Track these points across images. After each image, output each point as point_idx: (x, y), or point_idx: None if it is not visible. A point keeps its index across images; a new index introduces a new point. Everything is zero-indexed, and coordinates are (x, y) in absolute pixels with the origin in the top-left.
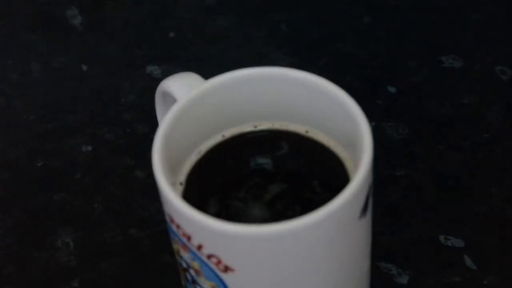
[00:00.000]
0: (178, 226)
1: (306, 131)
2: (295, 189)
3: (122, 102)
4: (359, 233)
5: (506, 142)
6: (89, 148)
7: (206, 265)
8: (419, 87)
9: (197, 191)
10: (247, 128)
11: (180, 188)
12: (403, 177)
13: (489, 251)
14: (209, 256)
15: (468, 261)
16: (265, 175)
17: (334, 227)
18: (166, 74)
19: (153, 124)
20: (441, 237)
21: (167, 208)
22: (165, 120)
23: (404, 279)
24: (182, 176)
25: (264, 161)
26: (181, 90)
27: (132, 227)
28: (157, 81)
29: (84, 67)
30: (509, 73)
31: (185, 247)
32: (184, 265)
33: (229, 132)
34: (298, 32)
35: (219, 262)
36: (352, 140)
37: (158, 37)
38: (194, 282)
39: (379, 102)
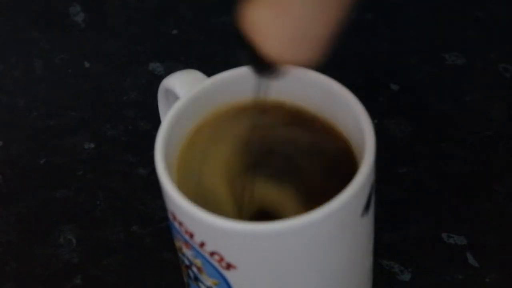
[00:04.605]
0: (180, 224)
1: None
2: (301, 178)
3: (124, 99)
4: (362, 231)
5: (509, 139)
6: (92, 145)
7: (209, 262)
8: (422, 84)
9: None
10: None
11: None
12: (406, 175)
13: (491, 248)
14: (212, 253)
15: (470, 258)
16: (267, 166)
17: (337, 225)
18: (168, 71)
19: (156, 121)
20: (444, 235)
21: (169, 206)
22: (168, 117)
23: (406, 277)
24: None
25: (267, 148)
26: (184, 87)
27: (134, 224)
28: (160, 78)
29: (87, 64)
30: None
31: (187, 244)
32: (187, 262)
33: None
34: None
35: (221, 259)
36: (354, 137)
37: (160, 34)
38: (196, 279)
39: (382, 100)
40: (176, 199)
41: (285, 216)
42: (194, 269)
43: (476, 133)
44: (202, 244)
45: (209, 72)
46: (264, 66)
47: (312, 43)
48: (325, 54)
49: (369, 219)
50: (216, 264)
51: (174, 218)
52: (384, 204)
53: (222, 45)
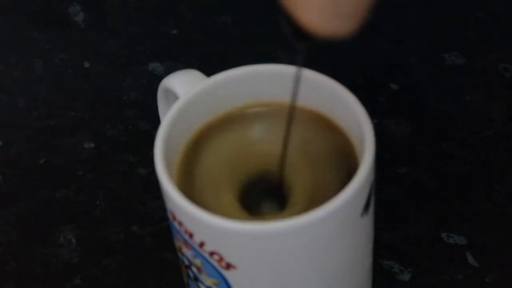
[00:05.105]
0: (180, 223)
1: None
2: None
3: (124, 99)
4: (361, 231)
5: (509, 139)
6: (92, 145)
7: (208, 262)
8: (422, 84)
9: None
10: None
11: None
12: (405, 174)
13: (491, 248)
14: (211, 253)
15: (470, 258)
16: (268, 163)
17: (336, 225)
18: (168, 71)
19: (155, 121)
20: (443, 235)
21: (169, 206)
22: (167, 117)
23: (406, 276)
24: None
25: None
26: (183, 87)
27: (134, 224)
28: (160, 78)
29: (87, 64)
30: None
31: (187, 244)
32: (186, 262)
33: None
34: None
35: (221, 259)
36: (354, 137)
37: (160, 34)
38: (196, 279)
39: (382, 100)
40: (176, 199)
41: (285, 216)
42: (194, 269)
43: (476, 133)
44: (201, 244)
45: (209, 72)
46: (302, 38)
47: (349, 15)
48: (360, 27)
49: (369, 219)
50: (215, 264)
51: (174, 218)
52: (384, 204)
53: (222, 45)
